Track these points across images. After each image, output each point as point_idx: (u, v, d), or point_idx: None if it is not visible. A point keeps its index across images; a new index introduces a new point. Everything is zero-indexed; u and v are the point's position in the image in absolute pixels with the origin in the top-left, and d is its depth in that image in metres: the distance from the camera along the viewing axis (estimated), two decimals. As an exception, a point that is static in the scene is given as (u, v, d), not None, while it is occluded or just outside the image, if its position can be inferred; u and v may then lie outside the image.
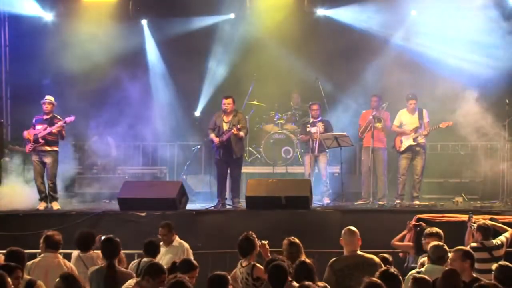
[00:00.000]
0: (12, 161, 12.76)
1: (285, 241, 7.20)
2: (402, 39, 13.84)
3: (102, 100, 13.95)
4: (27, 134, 11.62)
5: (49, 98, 11.73)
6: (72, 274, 5.84)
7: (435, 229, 7.83)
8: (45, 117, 11.65)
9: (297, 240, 7.20)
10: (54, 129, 11.50)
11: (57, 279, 5.72)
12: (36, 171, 11.63)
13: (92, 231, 8.08)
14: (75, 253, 7.83)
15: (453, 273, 5.92)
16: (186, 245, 8.61)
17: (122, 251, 7.34)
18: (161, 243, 8.34)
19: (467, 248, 6.91)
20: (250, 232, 7.23)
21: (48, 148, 11.59)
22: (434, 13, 13.45)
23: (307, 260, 6.44)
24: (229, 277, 5.91)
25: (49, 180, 11.62)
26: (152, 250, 7.67)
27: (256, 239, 7.17)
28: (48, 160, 11.57)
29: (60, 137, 11.66)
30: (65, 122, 11.57)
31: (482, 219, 8.63)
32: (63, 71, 14.06)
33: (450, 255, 6.66)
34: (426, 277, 5.87)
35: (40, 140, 11.50)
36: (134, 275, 6.76)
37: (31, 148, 11.53)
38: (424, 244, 7.61)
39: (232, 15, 14.68)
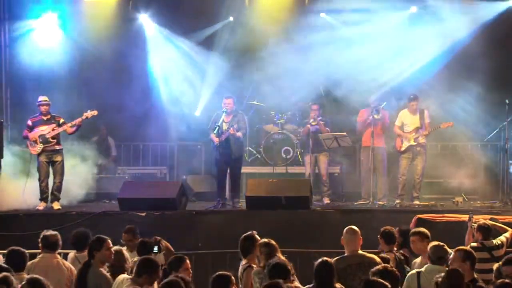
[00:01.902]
0: (12, 161, 12.72)
1: (261, 242, 7.09)
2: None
3: (102, 100, 13.93)
4: (32, 136, 11.55)
5: (44, 98, 11.69)
6: (40, 279, 5.69)
7: (421, 229, 7.85)
8: (46, 117, 11.63)
9: (272, 241, 7.11)
10: (76, 122, 11.51)
11: (23, 282, 5.66)
12: (43, 172, 11.57)
13: (87, 230, 8.02)
14: (71, 254, 7.82)
15: (457, 273, 5.88)
16: None
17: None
18: (125, 248, 8.01)
19: (468, 248, 6.90)
20: (253, 232, 7.19)
21: (58, 147, 11.59)
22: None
23: (329, 260, 6.30)
24: (233, 277, 5.88)
25: (56, 179, 11.58)
26: (143, 250, 7.68)
27: (257, 239, 7.09)
28: (58, 158, 11.56)
29: (75, 131, 11.66)
30: (86, 117, 11.57)
31: (482, 219, 8.64)
32: (63, 71, 14.05)
33: (454, 252, 6.65)
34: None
35: (51, 139, 11.49)
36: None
37: (40, 149, 11.50)
38: (411, 244, 7.64)
39: (231, 18, 14.65)
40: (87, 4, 14.46)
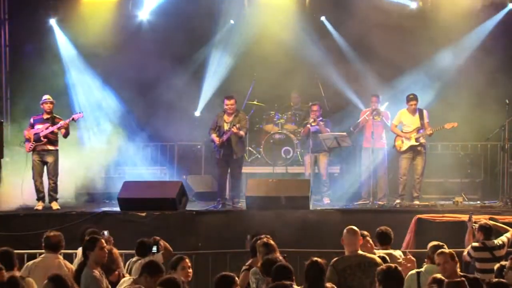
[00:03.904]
0: (12, 161, 12.72)
1: (259, 242, 7.08)
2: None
3: (102, 100, 13.94)
4: (27, 133, 11.57)
5: (48, 97, 11.70)
6: (60, 275, 5.74)
7: (383, 227, 7.87)
8: (45, 116, 11.62)
9: (271, 241, 7.13)
10: (60, 126, 11.46)
11: (45, 281, 5.65)
12: (36, 171, 11.56)
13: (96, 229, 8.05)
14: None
15: (478, 282, 5.77)
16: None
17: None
18: None
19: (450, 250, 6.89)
20: (267, 237, 7.18)
21: (51, 148, 11.55)
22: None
23: (319, 260, 6.32)
24: (236, 278, 5.88)
25: (50, 180, 11.57)
26: (142, 250, 7.67)
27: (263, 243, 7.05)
28: (50, 159, 11.53)
29: (65, 134, 11.61)
30: (72, 119, 11.57)
31: (483, 219, 8.65)
32: (62, 71, 14.05)
33: (436, 257, 6.63)
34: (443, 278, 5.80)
35: (42, 139, 11.46)
36: None
37: (32, 147, 11.50)
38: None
39: (231, 21, 14.63)
40: (87, 4, 14.44)
